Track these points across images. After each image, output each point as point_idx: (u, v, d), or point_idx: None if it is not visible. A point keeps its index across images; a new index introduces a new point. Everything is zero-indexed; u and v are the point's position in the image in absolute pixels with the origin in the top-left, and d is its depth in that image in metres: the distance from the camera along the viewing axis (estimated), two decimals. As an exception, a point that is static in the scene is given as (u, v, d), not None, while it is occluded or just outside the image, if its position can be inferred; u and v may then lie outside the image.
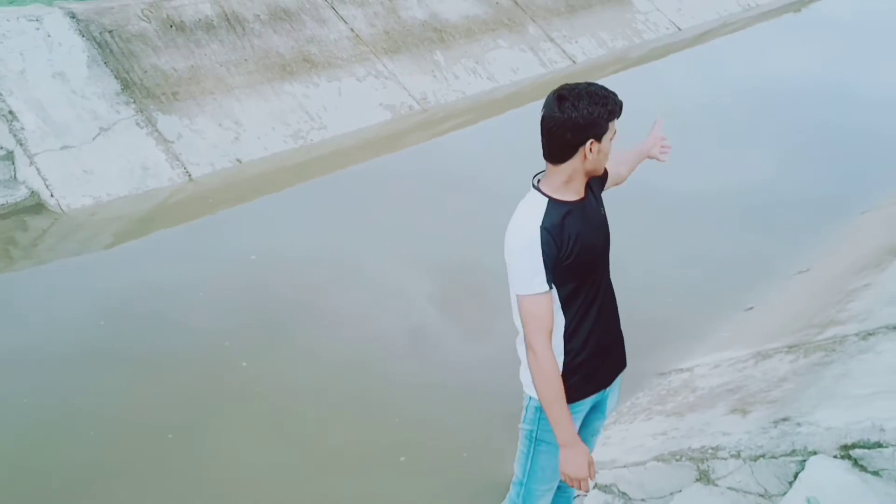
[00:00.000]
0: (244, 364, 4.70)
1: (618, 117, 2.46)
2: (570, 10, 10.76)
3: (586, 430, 2.79)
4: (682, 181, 6.95)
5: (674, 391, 4.17)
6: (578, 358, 2.55)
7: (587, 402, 2.65)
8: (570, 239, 2.39)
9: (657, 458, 3.42)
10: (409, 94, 8.46)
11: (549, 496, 2.81)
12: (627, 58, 10.90)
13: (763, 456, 3.06)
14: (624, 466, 3.51)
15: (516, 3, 10.26)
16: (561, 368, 2.51)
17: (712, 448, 3.28)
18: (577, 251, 2.40)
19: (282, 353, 4.82)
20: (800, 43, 11.93)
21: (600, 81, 2.52)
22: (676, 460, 3.34)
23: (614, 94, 2.45)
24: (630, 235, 5.98)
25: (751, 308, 5.16)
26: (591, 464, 2.49)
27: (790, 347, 4.02)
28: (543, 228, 2.36)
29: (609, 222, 2.66)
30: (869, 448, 2.78)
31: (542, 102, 2.45)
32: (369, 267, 5.72)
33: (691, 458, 3.29)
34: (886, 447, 2.75)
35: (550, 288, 2.40)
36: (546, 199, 2.43)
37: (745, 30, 12.67)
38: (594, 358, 2.57)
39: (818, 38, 12.13)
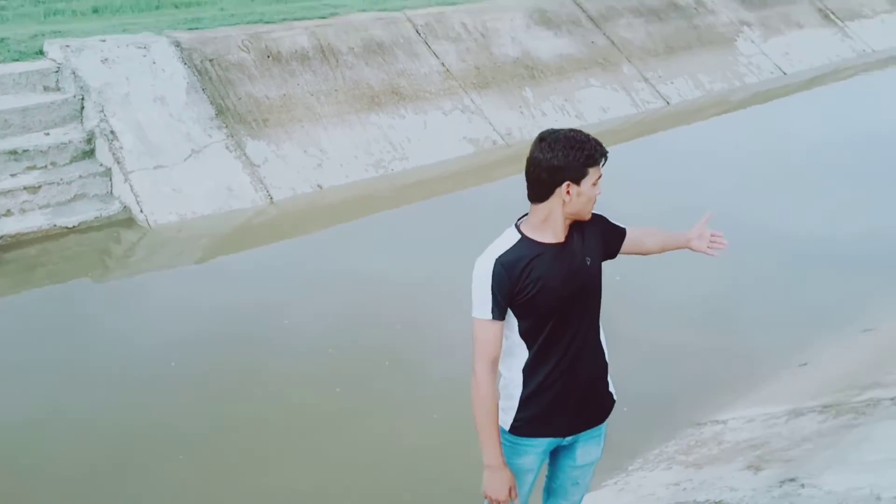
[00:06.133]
0: (337, 390, 4.72)
1: (599, 164, 2.50)
2: (668, 51, 10.66)
3: (561, 477, 2.77)
4: (766, 229, 6.75)
5: (702, 442, 4.07)
6: (532, 395, 2.57)
7: (537, 443, 2.63)
8: (530, 279, 2.45)
9: (662, 509, 3.36)
10: (494, 129, 8.59)
11: None
12: (727, 101, 10.67)
13: (760, 515, 2.97)
14: (630, 514, 3.47)
15: (613, 43, 10.25)
16: (517, 398, 2.58)
17: (716, 502, 3.20)
18: (535, 293, 2.45)
19: (379, 378, 4.83)
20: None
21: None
22: (679, 512, 3.28)
23: (596, 142, 2.50)
24: (708, 279, 5.90)
25: (805, 364, 4.96)
26: (512, 488, 2.55)
27: (824, 407, 3.86)
28: (499, 262, 2.46)
29: (603, 276, 2.62)
30: (863, 516, 2.67)
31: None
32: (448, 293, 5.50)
33: (693, 512, 3.23)
34: (880, 517, 2.63)
35: (497, 319, 2.47)
36: (519, 237, 2.51)
37: (860, 76, 12.19)
38: (548, 403, 2.57)
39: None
